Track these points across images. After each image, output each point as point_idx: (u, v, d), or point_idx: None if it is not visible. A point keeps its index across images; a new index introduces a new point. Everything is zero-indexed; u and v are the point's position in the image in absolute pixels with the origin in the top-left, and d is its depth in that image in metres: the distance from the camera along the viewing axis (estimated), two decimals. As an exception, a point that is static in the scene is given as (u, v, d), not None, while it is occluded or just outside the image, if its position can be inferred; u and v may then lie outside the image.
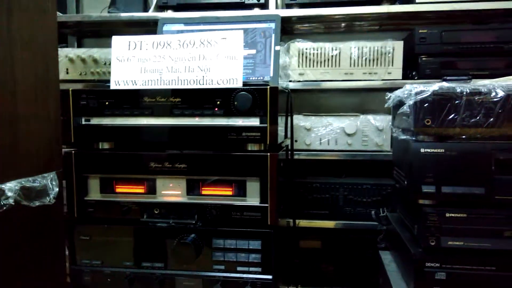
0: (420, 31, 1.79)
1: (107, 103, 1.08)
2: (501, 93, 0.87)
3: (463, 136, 0.92)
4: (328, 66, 1.88)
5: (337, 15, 1.84)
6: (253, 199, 1.05)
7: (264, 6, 1.89)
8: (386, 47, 1.83)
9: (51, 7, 1.58)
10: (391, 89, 1.97)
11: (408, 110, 0.94)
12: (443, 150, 0.93)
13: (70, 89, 1.09)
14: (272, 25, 1.51)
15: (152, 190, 1.10)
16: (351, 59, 1.87)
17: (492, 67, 1.76)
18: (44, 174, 1.47)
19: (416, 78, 1.82)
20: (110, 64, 1.99)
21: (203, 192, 1.08)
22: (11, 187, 1.26)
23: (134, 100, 1.07)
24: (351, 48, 1.85)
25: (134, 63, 1.13)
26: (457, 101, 0.90)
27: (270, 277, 1.03)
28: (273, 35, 1.50)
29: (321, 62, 1.85)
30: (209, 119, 1.04)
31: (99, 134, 1.10)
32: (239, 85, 1.07)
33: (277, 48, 1.47)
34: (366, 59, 1.85)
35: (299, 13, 1.82)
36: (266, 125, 1.00)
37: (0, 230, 1.17)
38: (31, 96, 1.43)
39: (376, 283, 1.35)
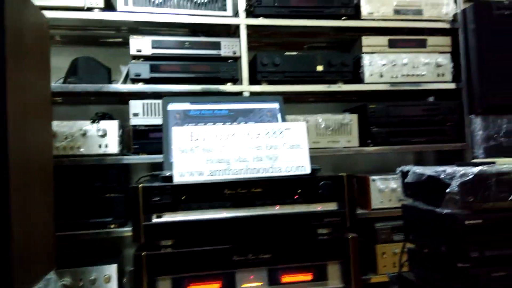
0: (370, 106, 2.13)
1: (183, 197, 1.03)
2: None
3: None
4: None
5: (305, 92, 2.06)
6: (334, 281, 1.11)
7: (237, 81, 2.00)
8: (345, 119, 2.11)
9: (47, 74, 1.40)
10: (351, 156, 2.29)
11: (457, 189, 1.15)
12: (481, 221, 1.16)
13: (140, 186, 1.01)
14: (276, 104, 1.63)
15: (231, 285, 1.06)
16: (317, 129, 2.09)
17: (426, 134, 2.17)
18: (48, 276, 1.26)
19: (371, 145, 2.12)
20: (71, 138, 1.82)
21: (284, 280, 1.09)
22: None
23: (215, 193, 1.04)
24: (318, 120, 2.08)
25: (199, 154, 1.11)
26: (489, 181, 1.15)
27: None
28: (278, 114, 1.61)
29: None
30: (289, 207, 1.08)
31: (173, 231, 1.03)
32: (307, 172, 1.14)
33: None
34: (331, 129, 2.09)
35: (266, 89, 1.99)
36: (345, 209, 1.09)
37: None
38: (41, 178, 1.23)
39: None
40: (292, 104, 2.37)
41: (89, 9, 1.84)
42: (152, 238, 1.02)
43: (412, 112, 2.17)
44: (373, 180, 2.06)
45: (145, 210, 1.01)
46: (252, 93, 1.98)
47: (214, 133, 1.13)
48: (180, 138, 1.11)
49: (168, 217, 1.03)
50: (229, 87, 1.97)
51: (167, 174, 1.11)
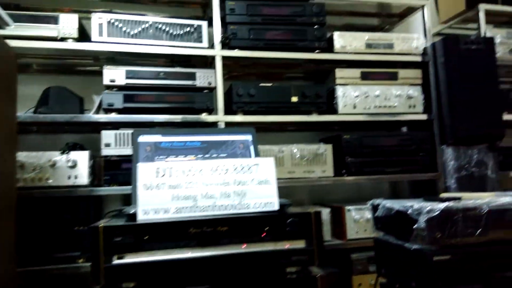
0: (344, 136, 2.14)
1: (145, 237, 1.00)
2: (486, 208, 1.17)
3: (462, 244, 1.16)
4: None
5: (281, 122, 2.08)
6: (302, 321, 1.08)
7: (212, 111, 2.00)
8: (320, 149, 2.12)
9: (13, 103, 1.36)
10: (326, 185, 2.29)
11: (424, 225, 1.16)
12: (449, 257, 1.16)
13: (100, 225, 0.98)
14: (249, 136, 1.63)
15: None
16: (292, 159, 2.09)
17: (399, 164, 2.18)
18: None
19: (346, 175, 2.13)
20: (40, 169, 1.77)
21: (250, 321, 1.06)
22: None
23: (179, 232, 1.02)
24: (293, 150, 2.09)
25: (165, 190, 1.09)
26: (456, 217, 1.16)
27: None
28: (251, 147, 1.60)
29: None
30: (257, 245, 1.06)
31: (135, 272, 0.99)
32: (276, 208, 1.13)
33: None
34: (306, 159, 2.10)
35: (241, 119, 2.00)
36: (313, 247, 1.08)
37: None
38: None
39: None
40: (269, 133, 2.38)
41: (63, 39, 1.83)
42: (113, 281, 0.98)
43: (385, 143, 2.19)
44: (348, 210, 2.06)
45: (105, 251, 0.98)
46: (228, 123, 1.98)
47: (181, 169, 1.12)
48: (146, 174, 1.09)
49: (130, 258, 1.00)
50: (207, 117, 1.96)
51: (131, 212, 1.08)
